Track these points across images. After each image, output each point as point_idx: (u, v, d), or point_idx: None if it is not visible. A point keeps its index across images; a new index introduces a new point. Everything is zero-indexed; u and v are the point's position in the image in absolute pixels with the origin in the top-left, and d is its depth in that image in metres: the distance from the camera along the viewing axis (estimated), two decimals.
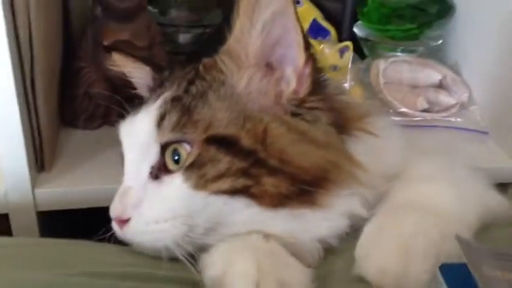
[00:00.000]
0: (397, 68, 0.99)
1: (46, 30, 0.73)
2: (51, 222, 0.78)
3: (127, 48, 0.84)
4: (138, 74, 0.65)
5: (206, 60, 0.58)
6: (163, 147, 0.52)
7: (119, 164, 0.80)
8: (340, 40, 1.02)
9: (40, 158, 0.76)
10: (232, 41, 0.54)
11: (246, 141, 0.51)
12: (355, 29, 1.05)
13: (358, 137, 0.56)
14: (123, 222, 0.53)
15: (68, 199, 0.75)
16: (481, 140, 0.91)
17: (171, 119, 0.52)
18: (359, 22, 1.06)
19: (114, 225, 0.54)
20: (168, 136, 0.51)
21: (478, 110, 0.95)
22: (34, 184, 0.74)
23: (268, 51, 0.53)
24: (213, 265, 0.50)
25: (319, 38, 1.01)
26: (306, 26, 1.01)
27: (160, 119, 0.52)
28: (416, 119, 0.94)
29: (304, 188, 0.51)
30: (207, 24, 1.05)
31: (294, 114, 0.53)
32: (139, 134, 0.54)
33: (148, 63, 0.65)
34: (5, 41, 0.65)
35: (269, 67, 0.54)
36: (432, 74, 1.00)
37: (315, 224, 0.53)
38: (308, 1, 1.04)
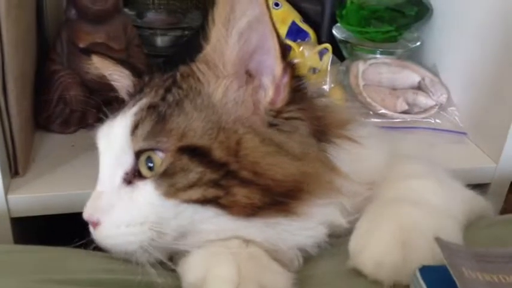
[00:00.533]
0: (376, 70, 0.99)
1: (18, 33, 0.71)
2: (26, 229, 0.76)
3: (103, 51, 0.83)
4: (118, 77, 0.65)
5: (183, 68, 0.57)
6: (137, 154, 0.52)
7: (95, 168, 0.80)
8: (320, 42, 1.02)
9: (13, 162, 0.74)
10: (209, 49, 0.53)
11: (217, 153, 0.50)
12: (334, 31, 1.05)
13: (340, 145, 0.55)
14: (94, 224, 0.53)
15: (43, 205, 0.73)
16: (459, 140, 0.91)
17: (145, 127, 0.51)
18: (338, 24, 1.06)
19: (90, 227, 0.54)
20: (141, 144, 0.51)
21: (456, 111, 0.95)
22: (7, 189, 0.72)
23: (245, 59, 0.52)
24: (192, 270, 0.50)
25: (299, 41, 1.00)
26: (285, 28, 1.01)
27: (135, 127, 0.52)
28: (396, 120, 0.94)
29: (278, 199, 0.50)
30: (186, 26, 1.04)
31: (271, 125, 0.52)
32: (114, 139, 0.53)
33: (128, 67, 0.64)
34: None
35: (248, 76, 0.53)
36: (411, 75, 1.00)
37: (291, 232, 0.52)
38: (287, 3, 1.04)
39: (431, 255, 0.46)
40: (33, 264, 0.54)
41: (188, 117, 0.52)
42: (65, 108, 0.84)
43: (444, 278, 0.38)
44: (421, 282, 0.40)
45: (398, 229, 0.49)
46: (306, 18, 1.05)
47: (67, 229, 0.74)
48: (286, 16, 1.02)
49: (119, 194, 0.52)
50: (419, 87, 0.99)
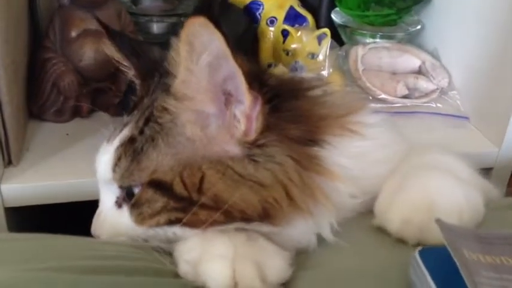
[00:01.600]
0: (376, 55, 0.97)
1: (8, 20, 0.69)
2: (20, 219, 0.75)
3: (97, 38, 0.82)
4: (129, 70, 0.63)
5: (159, 101, 0.54)
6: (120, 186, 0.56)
7: (90, 157, 0.78)
8: (318, 27, 1.00)
9: (6, 151, 0.73)
10: (178, 82, 0.51)
11: (178, 188, 0.52)
12: (333, 16, 1.03)
13: (337, 142, 0.53)
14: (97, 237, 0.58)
15: (37, 194, 0.72)
16: (461, 125, 0.90)
17: (123, 165, 0.54)
18: (337, 8, 1.04)
19: None
20: (120, 181, 0.55)
21: (458, 95, 0.94)
22: (0, 179, 0.72)
23: (217, 88, 0.50)
24: (188, 250, 0.51)
25: (297, 26, 0.98)
26: (283, 13, 0.99)
27: (115, 164, 0.55)
28: (397, 105, 0.93)
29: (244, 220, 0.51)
30: (182, 13, 1.02)
31: (247, 156, 0.51)
32: (103, 171, 0.57)
33: (135, 65, 0.62)
34: None
35: (223, 107, 0.52)
36: (411, 59, 0.98)
37: (277, 235, 0.52)
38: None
39: (459, 218, 0.47)
40: (29, 252, 0.52)
41: (160, 153, 0.53)
42: (58, 97, 0.83)
43: (444, 259, 0.37)
44: (421, 264, 0.38)
45: (427, 190, 0.50)
46: (304, 3, 1.03)
47: (62, 219, 0.73)
48: (284, 1, 1.00)
49: (111, 215, 0.57)
50: (419, 72, 0.98)
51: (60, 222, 0.63)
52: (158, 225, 0.53)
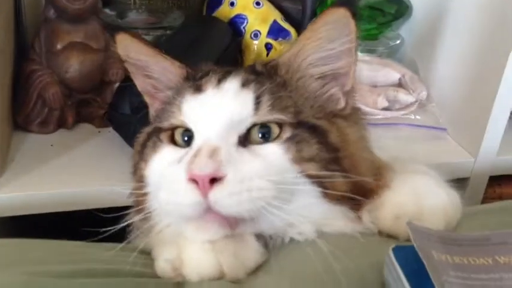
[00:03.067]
0: (356, 68, 0.99)
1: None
2: (7, 229, 0.76)
3: (81, 50, 0.83)
4: (155, 68, 0.61)
5: (260, 65, 0.59)
6: (254, 125, 0.53)
7: (75, 167, 0.79)
8: None
9: None
10: (288, 57, 0.57)
11: (333, 137, 0.53)
12: None
13: None
14: (212, 183, 0.48)
15: (23, 204, 0.73)
16: (439, 136, 0.92)
17: (266, 101, 0.53)
18: None
19: (193, 191, 0.48)
20: (264, 117, 0.52)
21: (436, 108, 0.96)
22: None
23: (327, 70, 0.56)
24: (167, 250, 0.51)
25: (280, 39, 1.01)
26: (267, 27, 1.01)
27: (257, 101, 0.53)
28: (377, 117, 0.95)
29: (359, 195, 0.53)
30: (167, 26, 1.04)
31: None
32: (228, 114, 0.52)
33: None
34: None
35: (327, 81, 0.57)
36: (391, 73, 1.01)
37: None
38: (268, 2, 1.04)
39: (444, 214, 0.51)
40: (29, 257, 0.53)
41: (297, 96, 0.55)
42: (43, 108, 0.84)
43: (417, 258, 0.39)
44: (394, 261, 0.40)
45: (415, 190, 0.53)
46: (287, 17, 1.05)
47: (47, 229, 0.74)
48: (268, 15, 1.02)
49: (238, 152, 0.51)
50: (399, 85, 1.00)
51: (46, 232, 0.63)
52: (306, 174, 0.51)
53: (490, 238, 0.43)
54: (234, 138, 0.52)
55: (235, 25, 1.02)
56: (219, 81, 0.56)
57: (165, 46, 0.95)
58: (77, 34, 0.82)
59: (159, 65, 0.60)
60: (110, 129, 0.85)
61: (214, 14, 1.04)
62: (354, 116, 0.58)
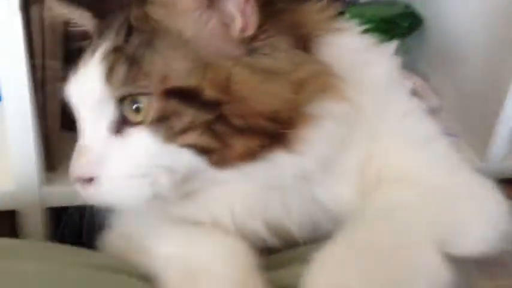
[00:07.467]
0: None
1: (54, 50, 0.76)
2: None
3: None
4: (83, 22, 0.58)
5: (135, 12, 0.51)
6: (120, 101, 0.49)
7: None
8: None
9: (47, 158, 0.80)
10: None
11: (208, 92, 0.47)
12: None
13: (325, 43, 0.52)
14: (88, 182, 0.50)
15: (75, 196, 0.79)
16: (451, 143, 0.98)
17: (120, 70, 0.48)
18: None
19: (79, 188, 0.51)
20: (122, 90, 0.48)
21: (447, 115, 1.01)
22: (43, 183, 0.79)
23: None
24: (168, 242, 0.52)
25: None
26: None
27: (109, 73, 0.48)
28: None
29: (277, 133, 0.48)
30: None
31: (251, 51, 0.49)
32: (90, 90, 0.49)
33: (90, 7, 0.57)
34: (24, 69, 0.70)
35: (211, 6, 0.50)
36: (403, 82, 1.07)
37: (283, 169, 0.50)
38: None
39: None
40: (72, 252, 0.58)
41: (165, 56, 0.48)
42: None
43: None
44: None
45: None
46: None
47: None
48: None
49: (109, 145, 0.49)
50: (411, 93, 1.06)
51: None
52: (187, 145, 0.48)
53: None
54: (104, 128, 0.49)
55: None
56: (92, 53, 0.50)
57: None
58: None
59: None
60: None
61: None
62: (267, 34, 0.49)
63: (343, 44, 0.54)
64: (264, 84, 0.48)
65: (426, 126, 0.59)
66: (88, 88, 0.49)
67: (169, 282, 0.49)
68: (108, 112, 0.49)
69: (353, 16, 1.08)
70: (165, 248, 0.52)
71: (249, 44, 0.49)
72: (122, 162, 0.49)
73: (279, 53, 0.49)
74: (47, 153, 0.80)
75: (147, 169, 0.49)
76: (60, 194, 0.79)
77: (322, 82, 0.49)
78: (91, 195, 0.51)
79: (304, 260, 0.45)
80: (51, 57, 0.76)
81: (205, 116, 0.47)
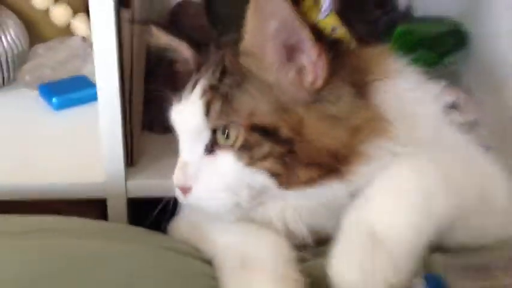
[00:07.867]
0: None
1: (140, 62, 0.88)
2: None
3: None
4: (177, 48, 0.69)
5: (229, 57, 0.61)
6: (214, 130, 0.59)
7: None
8: None
9: (130, 155, 0.91)
10: (247, 43, 0.58)
11: (284, 131, 0.56)
12: None
13: (381, 87, 0.59)
14: (186, 190, 0.61)
15: (152, 189, 0.89)
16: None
17: (216, 106, 0.57)
18: None
19: (178, 193, 0.63)
20: (217, 122, 0.58)
21: (487, 128, 1.05)
22: (126, 176, 0.89)
23: (283, 50, 0.58)
24: (229, 234, 0.62)
25: None
26: None
27: (207, 108, 0.58)
28: None
29: (334, 167, 0.57)
30: None
31: (319, 100, 0.57)
32: (190, 121, 0.60)
33: (185, 39, 0.68)
34: (116, 80, 0.82)
35: (291, 59, 0.58)
36: (446, 96, 1.13)
37: (337, 196, 0.58)
38: (343, 28, 1.14)
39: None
40: (149, 235, 0.69)
41: (251, 97, 0.57)
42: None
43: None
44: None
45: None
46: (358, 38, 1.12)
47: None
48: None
49: (203, 163, 0.60)
50: (453, 106, 1.11)
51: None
52: (265, 169, 0.57)
53: None
54: (201, 149, 0.60)
55: None
56: (192, 88, 0.61)
57: None
58: None
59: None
60: None
61: None
62: (332, 89, 0.57)
63: (397, 84, 0.62)
64: (329, 129, 0.57)
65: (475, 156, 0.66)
66: (190, 119, 0.60)
67: (226, 268, 0.60)
68: (204, 137, 0.60)
69: (403, 33, 1.16)
70: (225, 239, 0.63)
71: (318, 93, 0.58)
72: (212, 178, 0.60)
73: (341, 102, 0.58)
74: (130, 151, 0.92)
75: (231, 184, 0.59)
76: (139, 186, 0.91)
77: (375, 127, 0.58)
78: (187, 200, 0.63)
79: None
80: (137, 72, 0.88)
81: (279, 149, 0.57)
